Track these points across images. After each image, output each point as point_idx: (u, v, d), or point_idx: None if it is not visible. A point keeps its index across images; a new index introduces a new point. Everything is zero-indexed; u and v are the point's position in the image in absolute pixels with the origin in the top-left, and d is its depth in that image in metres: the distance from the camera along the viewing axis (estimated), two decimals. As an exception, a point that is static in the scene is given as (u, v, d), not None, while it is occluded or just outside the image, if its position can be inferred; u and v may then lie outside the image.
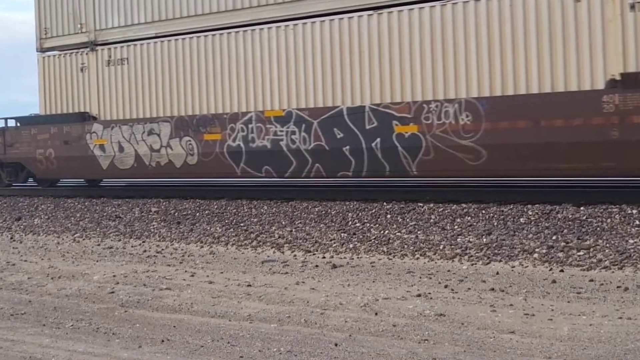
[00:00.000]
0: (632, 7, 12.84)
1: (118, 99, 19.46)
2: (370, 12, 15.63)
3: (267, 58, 16.99)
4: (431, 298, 8.30)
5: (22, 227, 16.49)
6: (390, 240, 12.06)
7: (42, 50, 21.17)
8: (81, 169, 20.32)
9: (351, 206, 14.67)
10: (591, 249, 10.44)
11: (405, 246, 11.62)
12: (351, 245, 12.01)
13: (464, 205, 13.66)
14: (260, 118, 16.78)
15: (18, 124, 21.80)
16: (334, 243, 12.27)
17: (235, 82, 17.44)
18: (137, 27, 19.10)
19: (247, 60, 17.29)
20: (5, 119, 21.98)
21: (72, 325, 8.06)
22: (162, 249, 12.69)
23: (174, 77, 18.43)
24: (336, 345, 6.83)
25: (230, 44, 17.53)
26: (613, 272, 9.38)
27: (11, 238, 14.99)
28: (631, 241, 10.67)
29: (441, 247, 11.38)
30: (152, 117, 18.69)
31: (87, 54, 20.06)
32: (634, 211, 11.95)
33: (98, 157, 19.51)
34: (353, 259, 11.13)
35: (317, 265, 10.64)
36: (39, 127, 20.82)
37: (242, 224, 14.44)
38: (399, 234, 12.49)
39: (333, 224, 13.68)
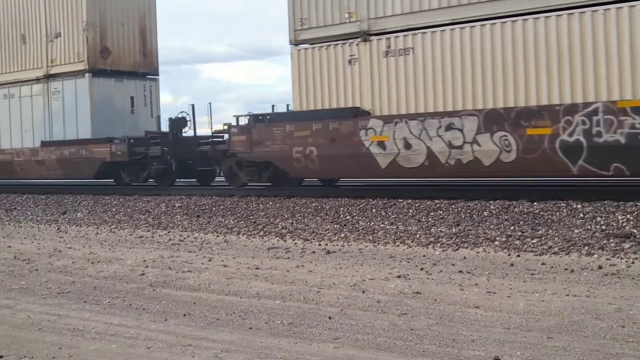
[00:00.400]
0: None
1: (400, 92, 15.15)
2: None
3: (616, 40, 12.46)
4: (409, 279, 8.31)
5: (67, 219, 16.46)
6: (375, 231, 12.06)
7: (296, 43, 16.84)
8: (351, 168, 15.95)
9: (343, 202, 14.67)
10: (543, 238, 10.45)
11: (388, 235, 11.62)
12: (342, 235, 12.01)
13: (437, 201, 13.66)
14: (609, 109, 12.38)
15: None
16: (328, 233, 12.26)
17: (567, 70, 13.02)
18: (425, 13, 14.77)
19: (584, 45, 12.86)
20: (255, 116, 17.72)
21: (109, 302, 8.05)
22: (184, 238, 12.68)
23: (478, 67, 14.07)
24: (330, 318, 6.84)
25: (560, 27, 13.12)
26: (561, 257, 9.39)
27: (58, 229, 14.97)
28: (576, 231, 10.68)
29: (418, 236, 11.38)
30: (451, 111, 14.35)
31: (357, 44, 15.73)
32: (579, 206, 11.96)
33: (375, 155, 15.16)
34: (344, 246, 11.13)
35: (314, 252, 10.64)
36: (296, 123, 16.50)
37: (251, 217, 14.42)
38: (382, 225, 12.49)
39: (327, 216, 13.68)
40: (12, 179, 24.44)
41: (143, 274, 9.43)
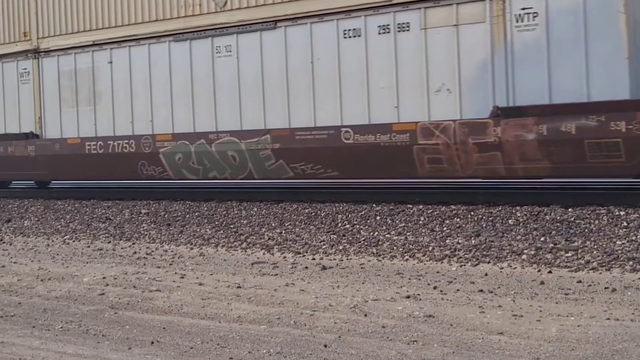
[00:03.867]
0: None
1: None
2: None
3: None
4: (420, 299, 8.31)
5: (11, 229, 16.44)
6: (380, 242, 12.07)
7: None
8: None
9: (341, 208, 14.67)
10: (579, 251, 10.47)
11: (395, 248, 11.63)
12: (341, 247, 12.02)
13: (452, 207, 13.67)
14: None
15: None
16: (324, 244, 12.27)
17: None
18: None
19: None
20: None
21: (61, 327, 8.04)
22: (152, 251, 12.67)
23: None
24: (325, 346, 6.84)
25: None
26: (601, 273, 9.41)
27: (1, 240, 14.94)
28: (619, 242, 10.70)
29: (430, 248, 11.40)
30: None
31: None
32: (622, 212, 11.98)
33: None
34: (342, 260, 11.14)
35: (306, 267, 10.64)
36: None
37: (232, 226, 14.43)
38: (388, 235, 12.50)
39: (323, 225, 13.68)
40: None
41: (103, 294, 9.42)
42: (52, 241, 14.52)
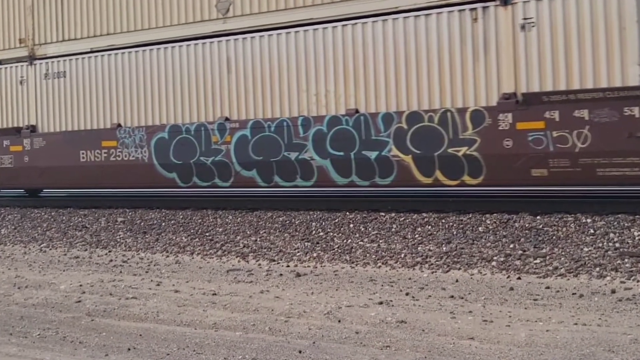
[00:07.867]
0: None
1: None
2: None
3: None
4: (393, 305, 8.33)
5: (-12, 237, 16.30)
6: (353, 249, 12.08)
7: None
8: None
9: (315, 216, 14.68)
10: (547, 257, 10.54)
11: (368, 255, 11.65)
12: (315, 254, 12.01)
13: (424, 215, 13.71)
14: None
15: None
16: (298, 252, 12.26)
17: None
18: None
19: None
20: None
21: (39, 335, 7.98)
22: (128, 259, 12.60)
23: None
24: (300, 352, 6.83)
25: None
26: (568, 279, 9.47)
27: (-22, 248, 14.83)
28: (586, 249, 10.77)
29: (402, 255, 11.42)
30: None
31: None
32: (589, 220, 12.06)
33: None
34: (317, 267, 11.13)
35: (281, 274, 10.63)
36: None
37: (207, 234, 14.38)
38: (361, 242, 12.51)
39: (297, 233, 13.67)
40: None
41: (79, 301, 9.35)
42: (29, 249, 14.41)
